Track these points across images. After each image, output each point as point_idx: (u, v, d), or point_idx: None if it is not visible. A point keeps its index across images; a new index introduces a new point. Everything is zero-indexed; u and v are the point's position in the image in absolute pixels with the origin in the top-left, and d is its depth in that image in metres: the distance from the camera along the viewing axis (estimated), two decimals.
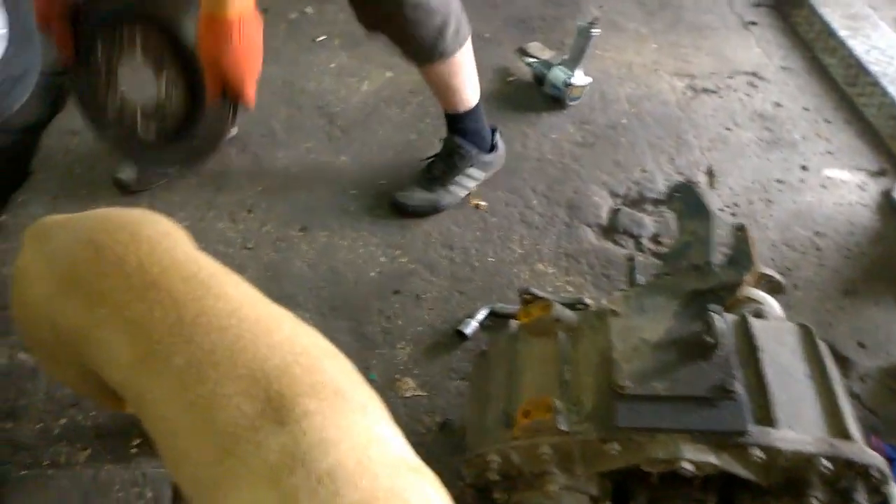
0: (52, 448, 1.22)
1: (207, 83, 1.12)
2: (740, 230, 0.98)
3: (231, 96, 1.15)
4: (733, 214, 1.75)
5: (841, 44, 2.23)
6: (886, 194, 1.81)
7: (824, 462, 0.79)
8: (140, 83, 1.29)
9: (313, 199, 1.75)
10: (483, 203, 1.76)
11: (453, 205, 1.73)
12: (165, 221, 0.90)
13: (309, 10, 2.43)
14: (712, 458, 0.80)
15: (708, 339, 0.86)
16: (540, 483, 0.87)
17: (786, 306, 1.13)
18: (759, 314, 0.98)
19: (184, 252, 0.84)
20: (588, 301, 1.26)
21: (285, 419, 0.67)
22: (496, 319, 1.47)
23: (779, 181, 1.83)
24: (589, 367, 0.96)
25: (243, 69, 1.11)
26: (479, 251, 1.64)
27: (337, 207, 1.73)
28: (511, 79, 2.21)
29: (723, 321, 0.88)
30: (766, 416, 0.82)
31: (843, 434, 0.82)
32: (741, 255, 0.94)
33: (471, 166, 1.72)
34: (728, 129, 2.01)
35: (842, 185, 1.85)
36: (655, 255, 1.61)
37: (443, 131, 1.72)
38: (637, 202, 1.78)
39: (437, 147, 1.75)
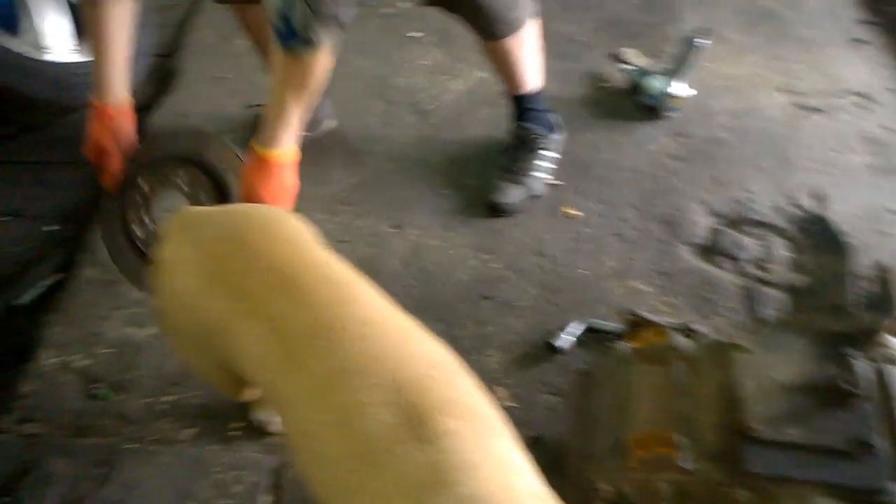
0: (157, 424, 1.27)
1: None
2: (884, 272, 0.94)
3: None
4: None
5: None
6: None
7: None
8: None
9: (406, 197, 1.76)
10: (575, 212, 1.74)
11: (543, 191, 1.74)
12: (299, 220, 0.92)
13: (404, 4, 2.43)
14: None
15: (847, 386, 0.83)
16: None
17: None
18: (891, 360, 0.94)
19: (319, 253, 0.86)
20: (697, 328, 1.22)
21: (425, 435, 0.68)
22: (591, 335, 1.45)
23: (892, 212, 1.74)
24: (710, 402, 0.94)
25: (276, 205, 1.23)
26: (571, 262, 1.63)
27: (428, 206, 1.74)
28: (603, 84, 2.17)
29: (862, 368, 0.85)
30: None
31: None
32: (883, 298, 0.90)
33: (546, 148, 1.74)
34: (835, 151, 1.92)
35: None
36: (761, 281, 1.56)
37: None
38: (737, 223, 1.72)
39: None
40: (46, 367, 1.34)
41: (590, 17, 2.43)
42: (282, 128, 1.21)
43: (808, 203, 1.77)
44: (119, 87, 1.28)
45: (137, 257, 1.32)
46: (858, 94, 2.15)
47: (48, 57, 1.68)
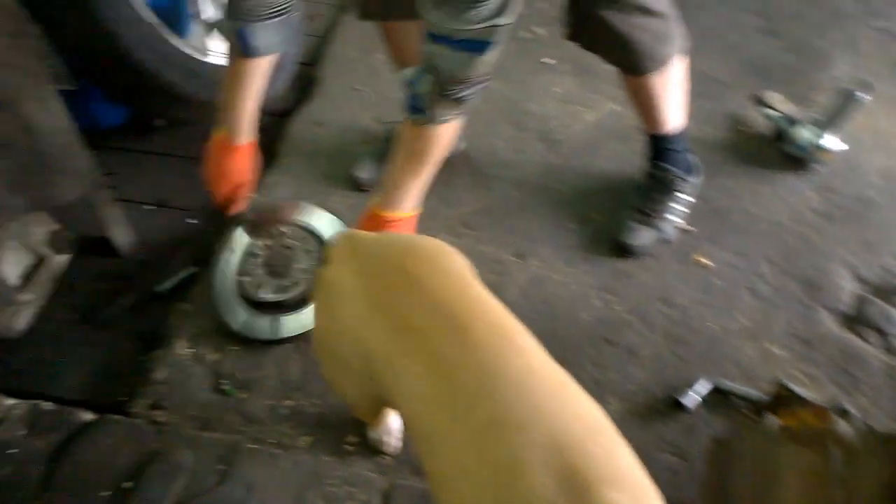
0: (277, 427, 1.30)
1: None
2: None
3: None
4: None
5: None
6: None
7: None
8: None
9: (530, 226, 1.73)
10: (707, 261, 1.66)
11: (674, 236, 1.67)
12: (459, 255, 0.91)
13: (540, 30, 2.41)
14: None
15: None
16: None
17: None
18: None
19: (483, 293, 0.84)
20: (849, 408, 1.13)
21: None
22: (718, 396, 1.37)
23: None
24: (871, 500, 0.85)
25: None
26: (701, 314, 1.54)
27: (553, 238, 1.70)
28: (744, 128, 2.06)
29: None
30: None
31: None
32: None
33: (682, 191, 1.67)
34: None
35: None
36: None
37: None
38: (887, 292, 1.59)
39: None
40: (179, 357, 1.40)
41: (733, 55, 2.33)
42: (400, 192, 1.23)
43: None
44: (248, 129, 1.32)
45: (243, 304, 1.44)
46: None
47: (209, 60, 1.78)
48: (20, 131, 1.12)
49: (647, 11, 1.37)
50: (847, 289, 1.60)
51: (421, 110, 1.12)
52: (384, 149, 1.78)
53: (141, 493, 1.14)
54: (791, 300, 1.57)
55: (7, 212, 1.15)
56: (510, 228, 1.73)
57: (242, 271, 1.49)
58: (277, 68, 1.98)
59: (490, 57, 1.05)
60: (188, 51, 1.70)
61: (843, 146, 1.85)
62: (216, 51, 1.83)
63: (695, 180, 1.71)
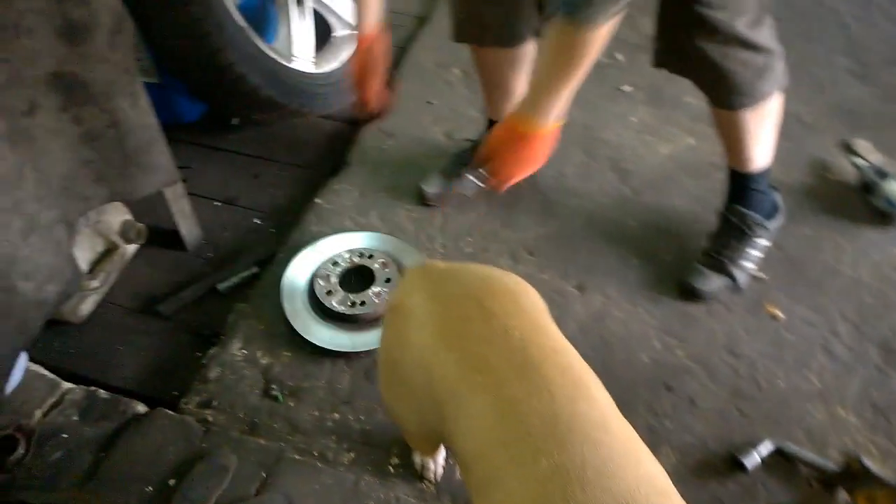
0: (322, 440, 1.28)
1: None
2: None
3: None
4: None
5: None
6: None
7: None
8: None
9: (593, 258, 1.68)
10: (780, 313, 1.57)
11: (747, 283, 1.58)
12: (536, 294, 0.88)
13: (620, 56, 2.37)
14: None
15: None
16: None
17: None
18: None
19: (559, 336, 0.81)
20: None
21: None
22: (780, 459, 1.29)
23: None
24: None
25: (513, 175, 1.25)
26: (769, 369, 1.46)
27: (617, 273, 1.65)
28: (828, 175, 1.96)
29: None
30: None
31: None
32: None
33: (760, 237, 1.58)
34: None
35: None
36: None
37: None
38: None
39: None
40: (233, 357, 1.41)
41: (822, 98, 2.22)
42: (543, 101, 1.14)
43: None
44: (371, 19, 1.43)
45: (308, 304, 1.47)
46: None
47: (292, 65, 1.80)
48: (109, 125, 1.15)
49: (750, 45, 1.30)
50: None
51: (576, 6, 1.02)
52: (453, 166, 1.77)
53: (183, 492, 1.14)
54: (867, 364, 1.47)
55: (90, 202, 1.18)
56: (573, 259, 1.68)
57: (319, 273, 1.50)
58: None
59: None
60: (273, 55, 1.73)
61: None
62: (300, 56, 1.85)
63: (776, 223, 1.63)
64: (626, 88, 2.23)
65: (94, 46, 1.07)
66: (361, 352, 1.41)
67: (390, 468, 1.25)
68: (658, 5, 1.35)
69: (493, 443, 0.72)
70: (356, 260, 1.55)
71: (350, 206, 1.77)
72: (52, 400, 1.27)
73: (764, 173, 1.56)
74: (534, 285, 1.60)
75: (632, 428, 0.74)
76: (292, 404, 1.34)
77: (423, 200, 1.76)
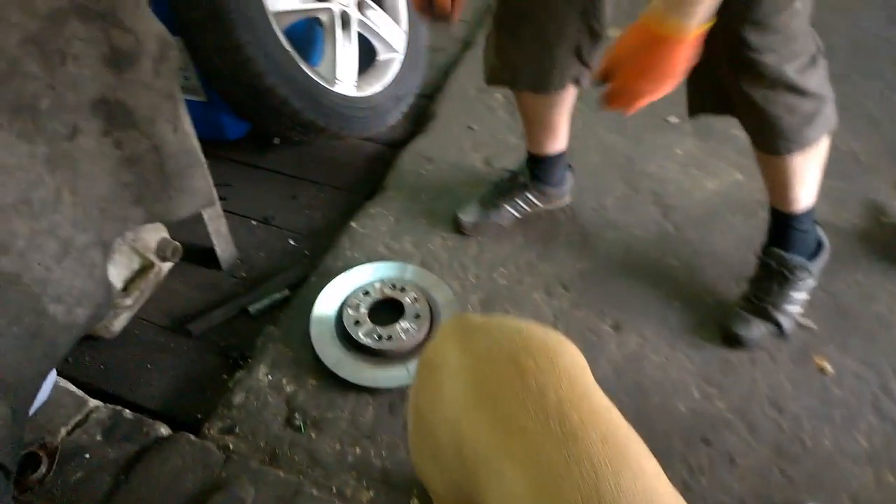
0: (342, 476, 1.26)
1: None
2: None
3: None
4: None
5: None
6: None
7: None
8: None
9: (631, 296, 1.63)
10: (828, 366, 1.49)
11: (792, 329, 1.51)
12: (576, 351, 0.83)
13: None
14: None
15: None
16: None
17: None
18: None
19: (599, 396, 0.76)
20: None
21: None
22: None
23: None
24: None
25: (644, 92, 1.04)
26: (814, 427, 1.38)
27: (655, 314, 1.59)
28: (883, 218, 1.86)
29: None
30: None
31: None
32: None
33: (804, 280, 1.50)
34: None
35: None
36: None
37: None
38: None
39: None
40: (258, 383, 1.40)
41: (878, 136, 2.12)
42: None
43: None
44: None
45: (335, 331, 1.46)
46: None
47: (334, 88, 1.80)
48: (150, 149, 1.15)
49: (799, 91, 1.23)
50: None
51: None
52: (491, 195, 1.74)
53: None
54: None
55: (128, 222, 1.19)
56: (610, 296, 1.63)
57: (349, 302, 1.49)
58: (396, 99, 2.01)
59: None
60: (316, 79, 1.73)
61: None
62: (343, 80, 1.86)
63: (820, 262, 1.54)
64: (673, 119, 2.17)
65: (139, 73, 1.08)
66: (382, 388, 1.38)
67: None
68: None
69: None
70: (387, 291, 1.53)
71: (385, 231, 1.75)
72: (77, 418, 1.28)
73: (809, 212, 1.49)
74: (567, 321, 1.57)
75: (683, 501, 0.69)
76: (314, 435, 1.32)
77: (458, 229, 1.73)
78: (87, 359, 1.47)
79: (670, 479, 0.67)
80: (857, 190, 1.90)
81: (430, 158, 1.98)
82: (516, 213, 1.74)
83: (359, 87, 1.90)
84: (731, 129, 2.10)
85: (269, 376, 1.42)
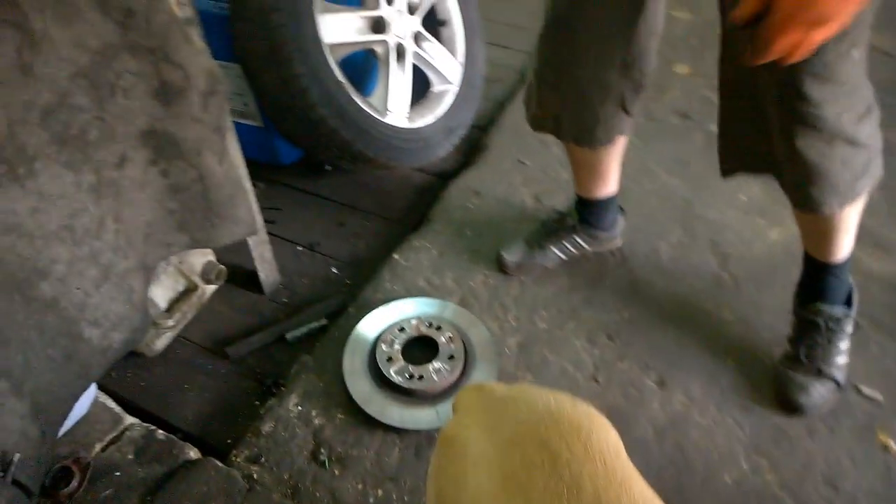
0: None
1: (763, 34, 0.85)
2: None
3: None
4: None
5: None
6: None
7: None
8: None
9: (680, 350, 1.54)
10: (893, 445, 1.36)
11: (845, 379, 1.42)
12: (608, 427, 0.77)
13: None
14: None
15: None
16: None
17: None
18: None
19: (638, 485, 0.69)
20: None
21: None
22: None
23: None
24: None
25: (827, 16, 0.81)
26: None
27: (705, 371, 1.50)
28: None
29: None
30: None
31: None
32: None
33: (848, 329, 1.42)
34: None
35: None
36: None
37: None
38: None
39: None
40: (288, 413, 1.40)
41: None
42: None
43: None
44: None
45: (367, 365, 1.45)
46: None
47: (385, 119, 1.81)
48: (196, 179, 1.18)
49: (854, 142, 1.14)
50: None
51: None
52: (537, 235, 1.70)
53: None
54: None
55: (171, 248, 1.21)
56: (657, 348, 1.55)
57: (384, 337, 1.48)
58: (447, 131, 2.00)
59: None
60: (368, 110, 1.74)
61: None
62: (394, 111, 1.86)
63: (855, 306, 1.45)
64: None
65: (188, 107, 1.10)
66: (410, 430, 1.35)
67: None
68: (734, 102, 1.22)
69: None
70: (423, 329, 1.50)
71: (426, 265, 1.73)
72: (112, 434, 1.31)
73: (848, 260, 1.40)
74: (608, 373, 1.50)
75: None
76: (337, 472, 1.30)
77: (501, 268, 1.69)
78: (131, 375, 1.51)
79: None
80: None
81: (479, 192, 1.95)
82: (562, 256, 1.69)
83: (410, 118, 1.90)
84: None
85: (300, 407, 1.41)
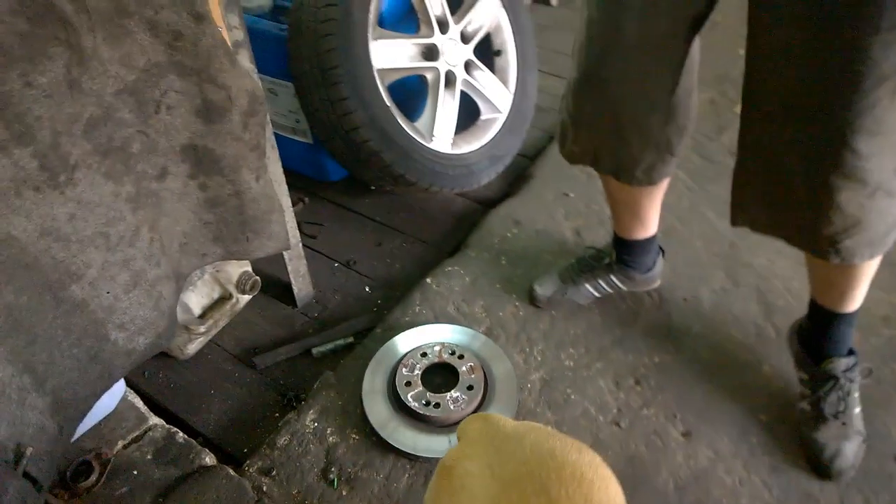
0: None
1: None
2: None
3: None
4: None
5: None
6: None
7: None
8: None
9: (711, 402, 1.48)
10: None
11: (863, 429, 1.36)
12: (613, 481, 0.75)
13: None
14: None
15: None
16: None
17: None
18: None
19: None
20: None
21: None
22: None
23: None
24: None
25: None
26: None
27: (736, 427, 1.43)
28: None
29: None
30: None
31: None
32: None
33: (856, 378, 1.38)
34: None
35: None
36: None
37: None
38: None
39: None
40: (304, 428, 1.41)
41: None
42: None
43: None
44: None
45: (386, 387, 1.46)
46: None
47: (430, 144, 1.83)
48: (232, 194, 1.22)
49: (892, 193, 1.09)
50: None
51: None
52: (571, 271, 1.67)
53: None
54: None
55: (206, 258, 1.26)
56: (686, 398, 1.49)
57: (406, 361, 1.49)
58: (492, 159, 2.00)
59: None
60: (413, 134, 1.77)
61: None
62: (439, 137, 1.88)
63: (856, 354, 1.40)
64: None
65: (229, 126, 1.14)
66: (422, 458, 1.34)
67: None
68: (765, 159, 1.16)
69: None
70: (445, 356, 1.50)
71: (457, 291, 1.73)
72: (136, 433, 1.36)
73: (857, 312, 1.37)
74: (631, 418, 1.46)
75: None
76: (345, 493, 1.30)
77: (532, 301, 1.67)
78: (162, 376, 1.56)
79: None
80: None
81: (519, 221, 1.94)
82: (596, 293, 1.65)
83: (455, 144, 1.92)
84: None
85: (316, 423, 1.43)
